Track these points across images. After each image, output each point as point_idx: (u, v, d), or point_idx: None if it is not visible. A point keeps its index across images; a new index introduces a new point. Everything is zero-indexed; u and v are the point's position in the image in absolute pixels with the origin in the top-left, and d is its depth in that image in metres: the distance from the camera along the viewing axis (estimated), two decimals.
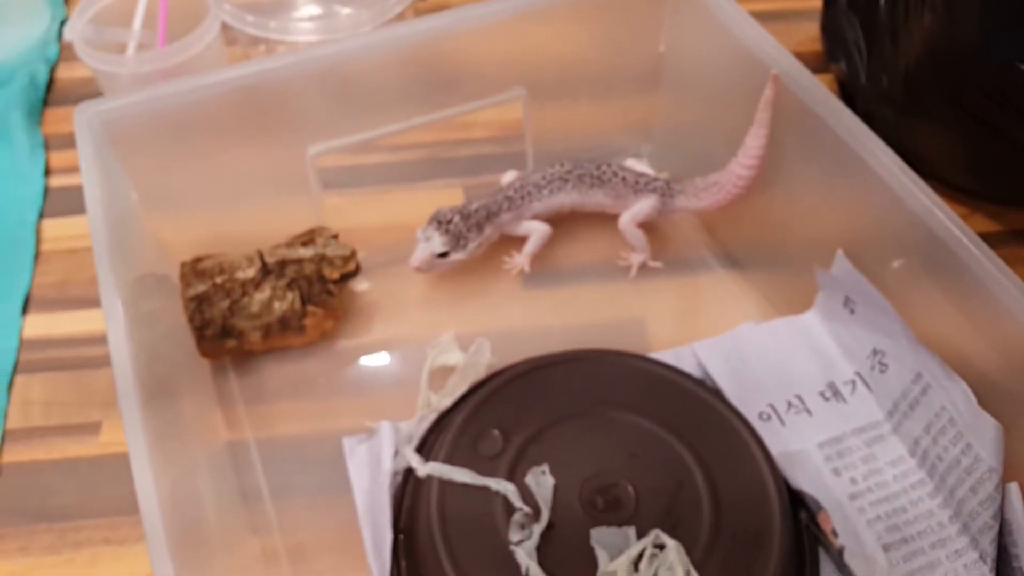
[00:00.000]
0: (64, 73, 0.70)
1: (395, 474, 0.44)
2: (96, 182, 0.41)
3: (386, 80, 0.51)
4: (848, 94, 0.65)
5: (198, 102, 0.47)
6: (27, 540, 0.45)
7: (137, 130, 0.46)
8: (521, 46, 0.53)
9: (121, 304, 0.37)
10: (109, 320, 0.37)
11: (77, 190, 0.60)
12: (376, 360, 0.51)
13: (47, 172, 0.62)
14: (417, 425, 0.46)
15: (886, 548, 0.41)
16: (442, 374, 0.49)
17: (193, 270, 0.48)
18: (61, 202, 0.60)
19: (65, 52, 0.71)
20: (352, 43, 0.49)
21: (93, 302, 0.54)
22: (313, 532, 0.44)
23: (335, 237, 0.51)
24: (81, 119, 0.44)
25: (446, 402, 0.46)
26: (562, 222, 0.56)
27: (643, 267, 0.55)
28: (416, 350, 0.50)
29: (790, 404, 0.46)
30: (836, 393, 0.46)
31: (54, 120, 0.66)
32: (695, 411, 0.43)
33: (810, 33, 0.70)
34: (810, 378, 0.47)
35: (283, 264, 0.49)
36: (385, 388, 0.50)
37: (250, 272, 0.48)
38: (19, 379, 0.51)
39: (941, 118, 0.56)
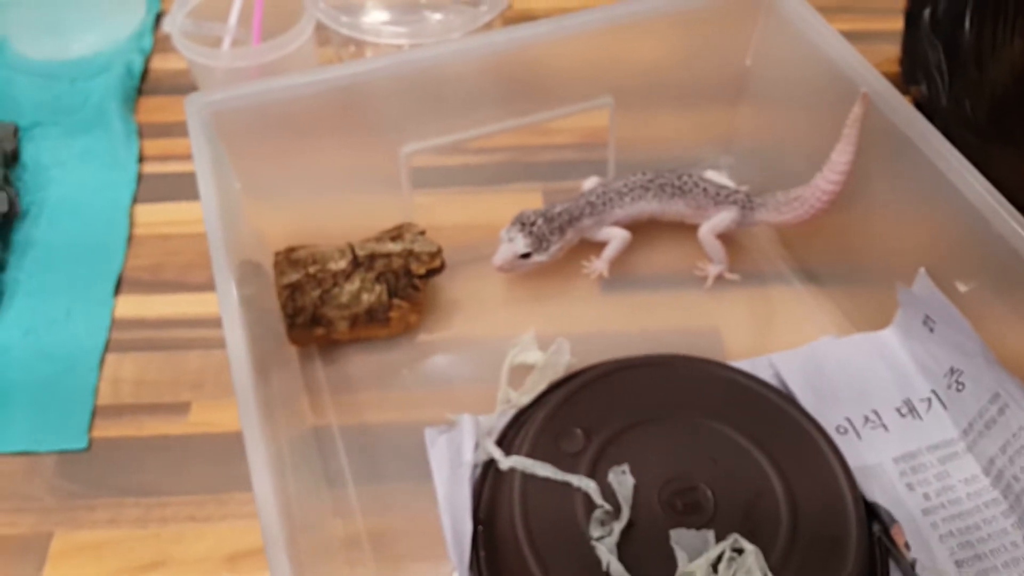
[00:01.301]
0: (158, 64, 0.72)
1: (474, 466, 0.45)
2: (209, 170, 0.43)
3: (477, 85, 0.53)
4: (927, 116, 0.64)
5: (300, 99, 0.48)
6: (115, 512, 0.46)
7: (242, 122, 0.47)
8: (609, 55, 0.54)
9: (235, 287, 0.38)
10: (223, 302, 0.39)
11: (170, 177, 0.64)
12: (456, 355, 0.52)
13: (140, 159, 0.65)
14: (497, 420, 0.47)
15: (958, 564, 0.41)
16: (520, 371, 0.50)
17: (287, 259, 0.50)
18: (154, 189, 0.63)
19: (159, 44, 0.74)
20: (447, 48, 0.50)
21: (185, 286, 0.56)
22: (394, 518, 0.45)
23: (422, 233, 0.52)
24: (192, 109, 0.46)
25: (525, 399, 0.48)
26: (641, 229, 0.57)
27: (719, 278, 0.56)
28: (494, 347, 0.51)
29: (867, 419, 0.46)
30: (912, 409, 0.46)
31: (147, 109, 0.69)
32: (775, 420, 0.44)
33: (888, 55, 0.70)
34: (887, 394, 0.47)
35: (372, 258, 0.50)
36: (464, 382, 0.51)
37: (341, 264, 0.50)
38: (110, 357, 0.53)
39: None
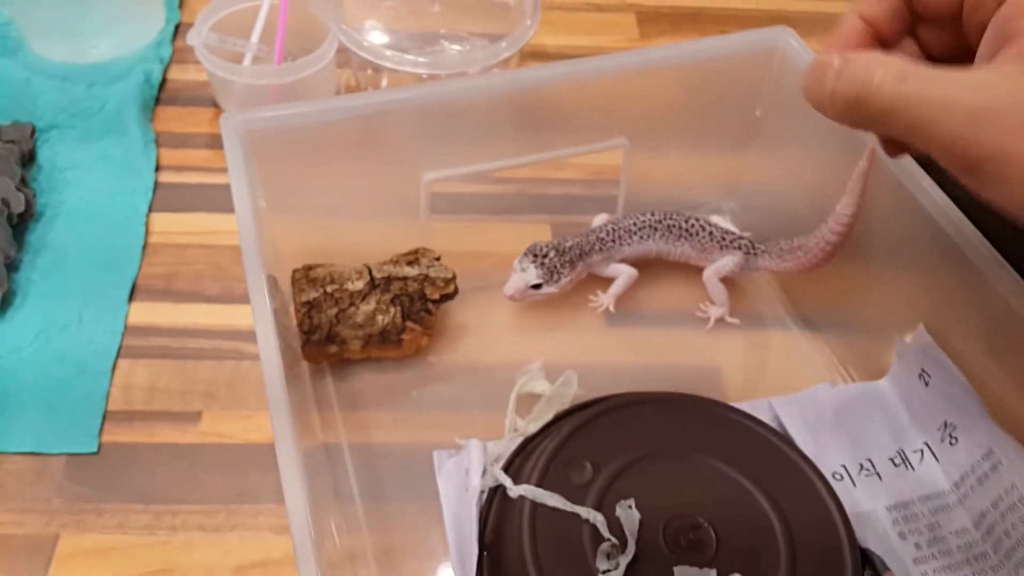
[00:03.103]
0: (176, 75, 0.73)
1: (481, 492, 0.46)
2: (244, 186, 0.44)
3: (496, 119, 0.54)
4: (928, 171, 0.67)
5: (327, 124, 0.50)
6: (124, 518, 0.47)
7: (272, 142, 0.49)
8: (624, 98, 0.56)
9: (268, 299, 0.39)
10: (257, 315, 0.40)
11: (185, 188, 0.64)
12: (464, 379, 0.54)
13: (157, 168, 0.65)
14: (505, 446, 0.48)
15: None
16: (527, 399, 0.51)
17: (306, 277, 0.51)
18: (169, 198, 0.63)
19: (178, 54, 0.75)
20: (470, 83, 0.52)
21: (198, 296, 0.57)
22: (401, 537, 0.46)
23: (438, 259, 0.53)
24: (227, 127, 0.47)
25: (532, 427, 0.49)
26: (647, 267, 0.58)
27: (720, 320, 0.58)
28: (502, 373, 0.52)
29: (861, 466, 0.48)
30: (905, 460, 0.48)
31: (164, 119, 0.70)
32: (776, 463, 0.45)
33: None
34: (881, 443, 0.49)
35: (389, 280, 0.52)
36: (471, 406, 0.52)
37: (359, 284, 0.51)
38: (122, 363, 0.54)
39: None
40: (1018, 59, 0.30)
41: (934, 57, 0.39)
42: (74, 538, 0.46)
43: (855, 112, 0.33)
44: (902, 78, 0.31)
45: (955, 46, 0.37)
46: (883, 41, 0.38)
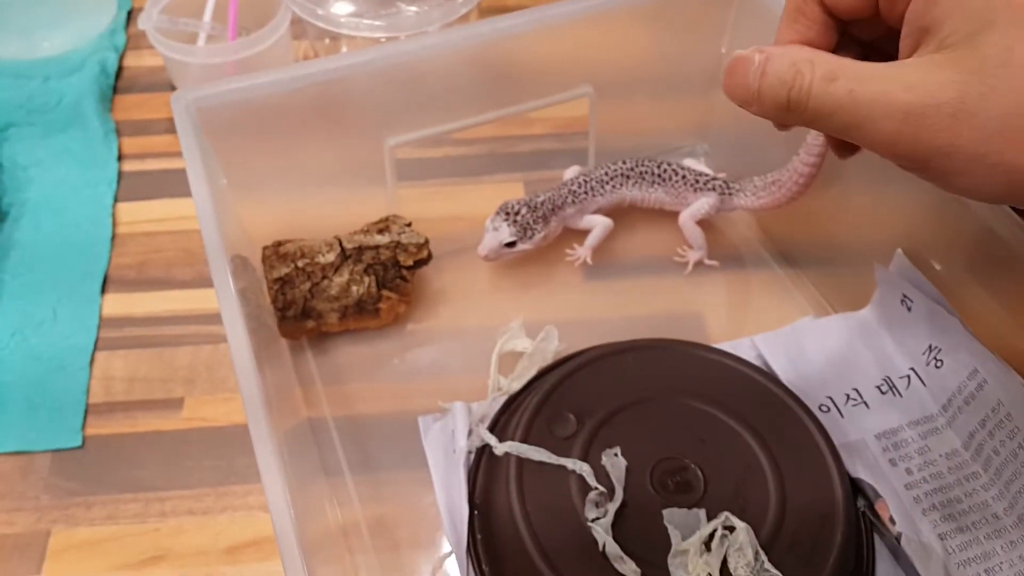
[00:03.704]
0: (132, 62, 0.72)
1: (468, 452, 0.46)
2: (200, 167, 0.43)
3: (458, 77, 0.53)
4: None
5: (283, 94, 0.49)
6: (114, 509, 0.47)
7: (227, 118, 0.48)
8: (587, 45, 0.55)
9: (232, 281, 0.39)
10: (222, 298, 0.39)
11: (149, 175, 0.64)
12: (445, 343, 0.53)
13: (120, 157, 0.64)
14: (489, 406, 0.48)
15: (942, 537, 0.42)
16: (509, 359, 0.51)
17: (276, 253, 0.51)
18: (134, 187, 0.63)
19: (133, 41, 0.74)
20: (427, 41, 0.51)
21: (171, 283, 0.56)
22: (391, 505, 0.46)
23: (408, 225, 0.53)
24: (178, 106, 0.46)
25: (516, 385, 0.48)
26: (622, 216, 0.58)
27: (699, 264, 0.57)
28: (483, 335, 0.52)
29: (848, 397, 0.48)
30: (892, 387, 0.48)
31: (124, 107, 0.69)
32: (760, 400, 0.45)
33: None
34: (867, 372, 0.48)
35: (360, 250, 0.51)
36: (454, 370, 0.52)
37: (330, 257, 0.50)
38: (100, 356, 0.53)
39: None
40: (938, 52, 0.29)
41: (866, 45, 0.36)
42: (65, 533, 0.46)
43: (786, 114, 0.31)
44: (831, 77, 0.30)
45: (885, 37, 0.35)
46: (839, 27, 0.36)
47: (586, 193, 0.56)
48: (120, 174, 0.63)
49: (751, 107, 0.32)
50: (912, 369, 0.48)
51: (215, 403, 0.51)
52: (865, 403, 0.47)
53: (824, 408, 0.47)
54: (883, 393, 0.48)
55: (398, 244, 0.52)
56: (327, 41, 0.69)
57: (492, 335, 0.51)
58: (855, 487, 0.44)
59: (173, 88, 0.69)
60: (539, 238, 0.54)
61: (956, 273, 0.45)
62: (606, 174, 0.56)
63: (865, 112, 0.29)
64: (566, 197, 0.56)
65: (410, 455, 0.47)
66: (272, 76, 0.48)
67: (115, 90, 0.70)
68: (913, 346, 0.48)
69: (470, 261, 0.55)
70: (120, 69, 0.72)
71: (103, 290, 0.56)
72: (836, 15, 0.34)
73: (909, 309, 0.48)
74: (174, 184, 0.62)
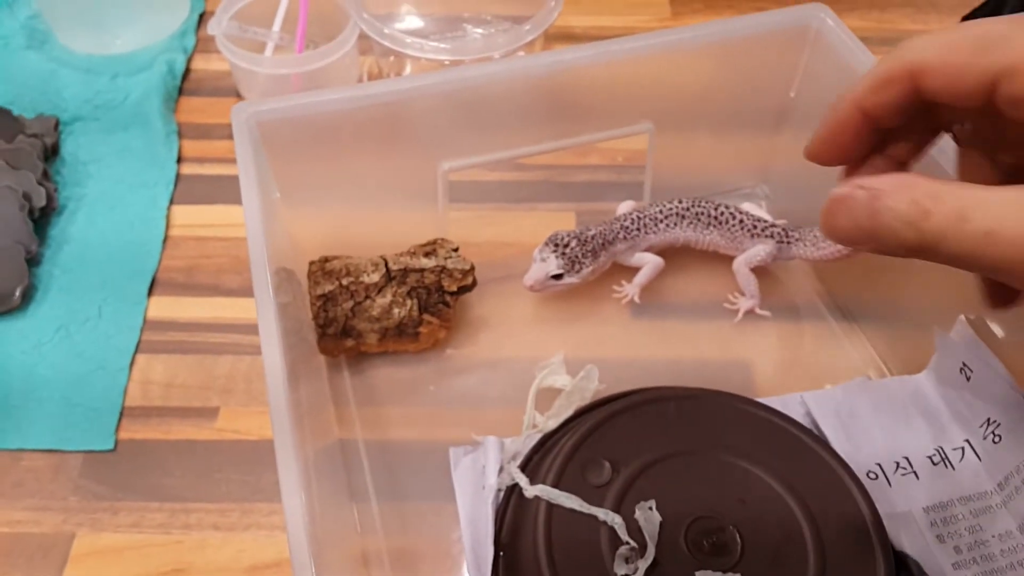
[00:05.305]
0: (199, 64, 0.73)
1: (498, 490, 0.45)
2: (254, 179, 0.43)
3: (518, 105, 0.52)
4: None
5: (344, 112, 0.48)
6: (139, 517, 0.47)
7: (285, 132, 0.47)
8: (650, 81, 0.54)
9: (272, 296, 0.38)
10: (261, 314, 0.38)
11: (207, 179, 0.64)
12: (483, 373, 0.52)
13: (179, 159, 0.65)
14: (523, 443, 0.46)
15: None
16: (547, 394, 0.49)
17: (322, 269, 0.50)
18: (190, 190, 0.63)
19: (202, 44, 0.74)
20: (491, 68, 0.50)
21: (218, 290, 0.56)
22: (416, 537, 0.45)
23: (456, 250, 0.52)
24: (238, 118, 0.46)
25: (552, 423, 0.47)
26: (674, 256, 0.56)
27: (750, 312, 0.55)
28: (521, 367, 0.51)
29: (898, 465, 0.46)
30: (945, 458, 0.46)
31: (187, 110, 0.69)
32: (806, 462, 0.43)
33: None
34: (919, 441, 0.46)
35: (405, 272, 0.50)
36: (489, 401, 0.51)
37: (375, 277, 0.50)
38: (141, 358, 0.53)
39: None
40: None
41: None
42: (90, 537, 0.46)
43: (916, 256, 0.26)
44: (962, 216, 0.25)
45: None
46: (880, 135, 0.33)
47: (639, 230, 0.55)
48: (178, 176, 0.64)
49: (866, 248, 0.28)
50: (967, 441, 0.46)
51: (249, 416, 0.50)
52: (915, 473, 0.45)
53: (872, 475, 0.45)
54: (935, 464, 0.46)
55: (443, 269, 0.51)
56: (392, 58, 0.69)
57: (531, 368, 0.50)
58: (899, 561, 0.42)
59: (238, 94, 0.70)
60: (587, 272, 0.53)
61: (1021, 346, 0.43)
62: (660, 212, 0.55)
63: (1012, 255, 0.25)
64: (618, 233, 0.54)
65: (438, 486, 0.46)
66: (333, 94, 0.48)
67: (180, 92, 0.71)
68: (970, 418, 0.46)
69: (515, 289, 0.54)
70: (187, 71, 0.72)
71: (150, 292, 0.56)
72: (929, 96, 0.30)
73: (968, 379, 0.46)
74: (230, 190, 0.62)
